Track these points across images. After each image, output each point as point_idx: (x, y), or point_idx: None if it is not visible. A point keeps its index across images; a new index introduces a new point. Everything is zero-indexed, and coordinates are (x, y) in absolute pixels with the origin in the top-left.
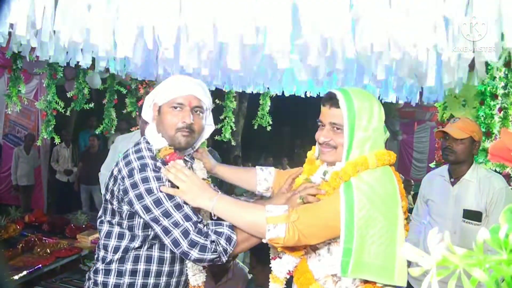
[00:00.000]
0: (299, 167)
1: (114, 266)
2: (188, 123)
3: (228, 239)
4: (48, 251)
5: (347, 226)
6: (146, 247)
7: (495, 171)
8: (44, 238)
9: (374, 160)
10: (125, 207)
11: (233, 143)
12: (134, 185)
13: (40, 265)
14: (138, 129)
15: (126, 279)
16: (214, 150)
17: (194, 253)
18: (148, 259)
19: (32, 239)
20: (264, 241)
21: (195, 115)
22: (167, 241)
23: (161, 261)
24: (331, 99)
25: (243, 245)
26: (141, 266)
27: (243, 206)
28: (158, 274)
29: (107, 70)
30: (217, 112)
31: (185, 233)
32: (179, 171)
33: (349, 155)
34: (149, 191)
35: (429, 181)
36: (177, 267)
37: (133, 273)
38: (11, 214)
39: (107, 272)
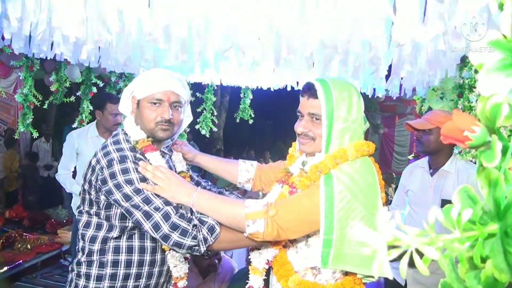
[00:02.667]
0: (280, 160)
1: (95, 257)
2: (167, 118)
3: (211, 229)
4: (29, 246)
5: (327, 217)
6: (125, 237)
7: (474, 162)
8: (24, 233)
9: (353, 151)
10: (103, 197)
11: (210, 135)
12: (113, 175)
13: (21, 261)
14: (86, 123)
15: (108, 270)
16: (195, 144)
17: (175, 236)
18: (129, 249)
19: (13, 234)
20: (245, 235)
21: (173, 110)
22: (147, 226)
23: (142, 250)
24: (310, 90)
25: (228, 244)
26: (123, 257)
27: (223, 201)
28: (140, 264)
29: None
30: (197, 105)
31: (166, 216)
32: (156, 169)
33: (329, 146)
34: (129, 182)
35: (409, 172)
36: (158, 256)
37: (115, 263)
38: None
39: (89, 264)
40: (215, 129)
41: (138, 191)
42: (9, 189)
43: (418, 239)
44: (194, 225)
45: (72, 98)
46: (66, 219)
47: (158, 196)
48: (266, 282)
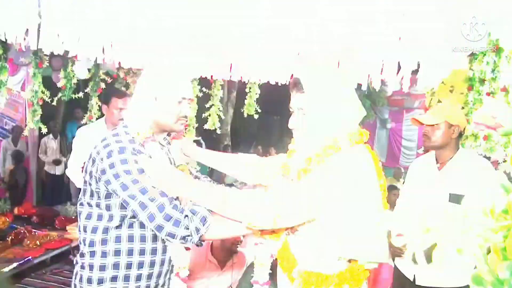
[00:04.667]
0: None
1: (97, 248)
2: (188, 115)
3: (203, 219)
4: (38, 243)
5: (325, 205)
6: (126, 226)
7: (485, 156)
8: (33, 230)
9: (346, 140)
10: (103, 187)
11: (218, 131)
12: (112, 165)
13: (30, 257)
14: (96, 119)
15: (111, 259)
16: (202, 140)
17: (168, 227)
18: (130, 238)
19: (22, 231)
20: (243, 225)
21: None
22: (143, 215)
23: (143, 239)
24: (296, 84)
25: (221, 233)
26: (124, 246)
27: (219, 190)
28: (142, 252)
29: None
30: (204, 100)
31: (161, 207)
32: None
33: (319, 138)
34: (128, 172)
35: (416, 166)
36: (160, 244)
37: (117, 252)
38: (0, 207)
39: (92, 254)
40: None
41: (135, 181)
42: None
43: (451, 228)
44: (186, 216)
45: (81, 94)
46: (75, 215)
47: (154, 187)
48: (273, 275)
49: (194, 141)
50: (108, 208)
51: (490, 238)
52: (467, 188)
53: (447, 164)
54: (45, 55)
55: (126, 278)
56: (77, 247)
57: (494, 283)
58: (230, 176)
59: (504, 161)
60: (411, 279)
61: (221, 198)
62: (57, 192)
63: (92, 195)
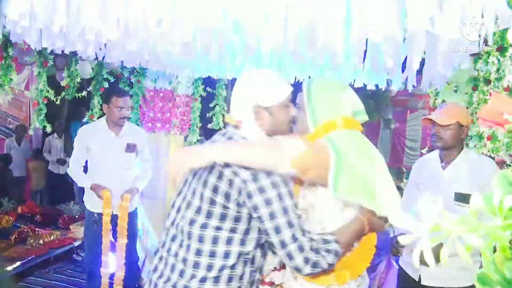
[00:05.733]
0: None
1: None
2: (294, 115)
3: (336, 254)
4: (41, 242)
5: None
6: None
7: (490, 156)
8: (37, 229)
9: (341, 122)
10: (245, 211)
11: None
12: (262, 190)
13: (33, 256)
14: (97, 118)
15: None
16: (206, 140)
17: (306, 269)
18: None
19: (25, 230)
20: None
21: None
22: (280, 252)
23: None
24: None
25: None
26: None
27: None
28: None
29: (95, 58)
30: (208, 100)
31: (301, 249)
32: None
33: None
34: (280, 197)
35: (420, 166)
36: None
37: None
38: (3, 206)
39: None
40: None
41: (285, 211)
42: None
43: (459, 226)
44: (323, 256)
45: (84, 93)
46: (78, 214)
47: (299, 217)
48: None
49: (198, 140)
50: (247, 232)
51: (497, 237)
52: (473, 188)
53: (452, 163)
54: (50, 53)
55: None
56: (80, 246)
57: (501, 282)
58: None
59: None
60: (416, 279)
61: None
62: (60, 191)
63: (223, 218)
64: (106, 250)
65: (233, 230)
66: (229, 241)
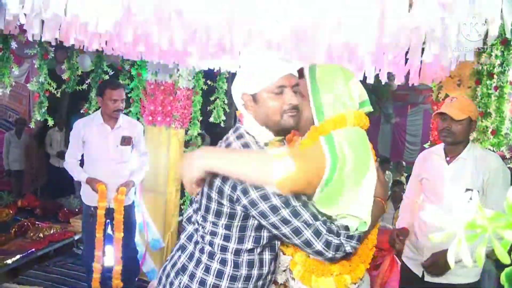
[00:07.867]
0: None
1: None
2: (295, 103)
3: (359, 239)
4: (41, 235)
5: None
6: (258, 250)
7: (493, 151)
8: (37, 222)
9: (352, 118)
10: (240, 208)
11: (223, 125)
12: (257, 187)
13: (33, 249)
14: (93, 111)
15: (243, 271)
16: (206, 134)
17: (329, 254)
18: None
19: (25, 223)
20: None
21: (296, 94)
22: (297, 241)
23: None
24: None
25: None
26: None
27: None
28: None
29: (96, 50)
30: (209, 93)
31: (317, 233)
32: None
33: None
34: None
35: (423, 159)
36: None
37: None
38: (3, 199)
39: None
40: (223, 118)
41: (287, 203)
42: None
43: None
44: (345, 239)
45: (85, 86)
46: (78, 208)
47: (305, 206)
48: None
49: (199, 134)
50: (242, 229)
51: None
52: (478, 183)
53: (457, 158)
54: (51, 46)
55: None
56: (80, 240)
57: None
58: None
59: None
60: (420, 275)
61: None
62: (60, 185)
63: (218, 215)
64: (99, 244)
65: (227, 227)
66: (226, 238)
